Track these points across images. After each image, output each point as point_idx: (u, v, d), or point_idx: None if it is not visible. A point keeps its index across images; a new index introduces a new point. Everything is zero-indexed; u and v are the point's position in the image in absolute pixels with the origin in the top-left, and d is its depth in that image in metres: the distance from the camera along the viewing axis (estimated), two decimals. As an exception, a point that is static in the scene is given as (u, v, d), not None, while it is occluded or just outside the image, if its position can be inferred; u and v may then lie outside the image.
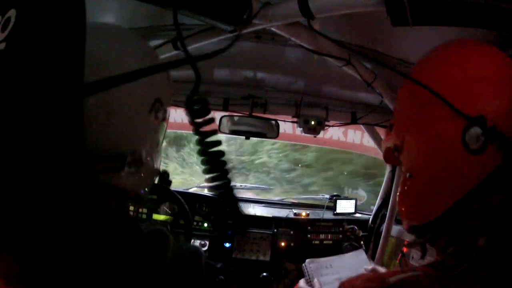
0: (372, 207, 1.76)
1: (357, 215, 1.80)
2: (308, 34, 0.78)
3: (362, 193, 4.55)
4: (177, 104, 1.42)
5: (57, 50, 0.30)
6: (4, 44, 0.31)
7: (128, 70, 0.35)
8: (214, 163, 0.52)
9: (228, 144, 5.27)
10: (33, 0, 0.31)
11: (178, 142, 5.80)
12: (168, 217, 1.51)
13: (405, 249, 1.37)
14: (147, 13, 0.89)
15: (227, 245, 1.62)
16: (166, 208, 1.58)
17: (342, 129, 1.82)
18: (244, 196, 1.99)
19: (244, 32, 0.76)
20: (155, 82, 0.48)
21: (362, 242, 1.63)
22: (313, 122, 1.34)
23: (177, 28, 0.48)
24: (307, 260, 0.92)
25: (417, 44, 0.68)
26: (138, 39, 0.50)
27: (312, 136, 1.41)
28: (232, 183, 0.55)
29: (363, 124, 1.44)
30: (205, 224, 1.64)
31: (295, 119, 1.38)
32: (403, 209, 0.53)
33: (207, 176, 0.54)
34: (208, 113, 0.49)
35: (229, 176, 0.54)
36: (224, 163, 0.53)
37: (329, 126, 1.40)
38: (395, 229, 1.50)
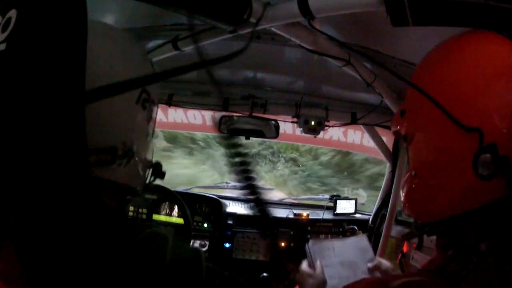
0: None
1: (357, 215, 1.80)
2: (308, 34, 0.78)
3: (362, 193, 4.56)
4: (176, 104, 1.43)
5: (57, 51, 0.30)
6: (4, 44, 0.31)
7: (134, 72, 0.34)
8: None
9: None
10: (34, 0, 0.31)
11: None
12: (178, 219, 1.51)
13: (405, 249, 1.37)
14: (147, 13, 0.90)
15: (227, 245, 1.62)
16: (166, 210, 1.59)
17: (342, 129, 1.81)
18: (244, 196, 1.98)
19: (244, 32, 0.76)
20: (140, 73, 0.48)
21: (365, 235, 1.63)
22: (313, 122, 1.34)
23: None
24: (310, 241, 0.92)
25: (417, 44, 0.68)
26: (129, 39, 0.50)
27: (312, 136, 1.41)
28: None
29: (363, 124, 1.44)
30: (205, 224, 1.64)
31: (295, 119, 1.38)
32: (407, 205, 0.52)
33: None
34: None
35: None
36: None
37: (329, 126, 1.40)
38: (395, 229, 1.50)
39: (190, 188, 1.97)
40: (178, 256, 0.44)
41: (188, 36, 0.87)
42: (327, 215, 1.74)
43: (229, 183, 2.26)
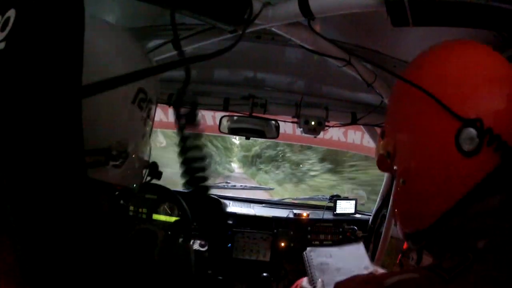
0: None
1: (357, 215, 1.79)
2: (308, 34, 0.78)
3: (362, 194, 4.55)
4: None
5: (56, 50, 0.30)
6: (3, 43, 0.31)
7: (127, 67, 0.35)
8: (190, 167, 0.46)
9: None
10: (32, 0, 0.31)
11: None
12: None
13: (405, 249, 1.37)
14: (147, 13, 0.90)
15: (227, 245, 1.62)
16: (166, 208, 1.59)
17: (342, 129, 1.82)
18: (244, 196, 1.99)
19: (245, 32, 0.76)
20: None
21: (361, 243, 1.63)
22: (313, 123, 1.34)
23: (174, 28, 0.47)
24: (308, 249, 0.93)
25: (417, 44, 0.68)
26: (129, 36, 0.50)
27: (312, 136, 1.41)
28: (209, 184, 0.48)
29: (363, 124, 1.44)
30: (205, 224, 1.63)
31: (295, 120, 1.38)
32: (397, 217, 0.53)
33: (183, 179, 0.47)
34: (195, 117, 0.46)
35: (203, 179, 0.47)
36: (202, 169, 0.47)
37: (329, 126, 1.40)
38: (395, 229, 1.50)
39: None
40: (167, 252, 0.44)
41: (188, 36, 0.87)
42: (327, 215, 1.74)
43: (229, 183, 2.26)
